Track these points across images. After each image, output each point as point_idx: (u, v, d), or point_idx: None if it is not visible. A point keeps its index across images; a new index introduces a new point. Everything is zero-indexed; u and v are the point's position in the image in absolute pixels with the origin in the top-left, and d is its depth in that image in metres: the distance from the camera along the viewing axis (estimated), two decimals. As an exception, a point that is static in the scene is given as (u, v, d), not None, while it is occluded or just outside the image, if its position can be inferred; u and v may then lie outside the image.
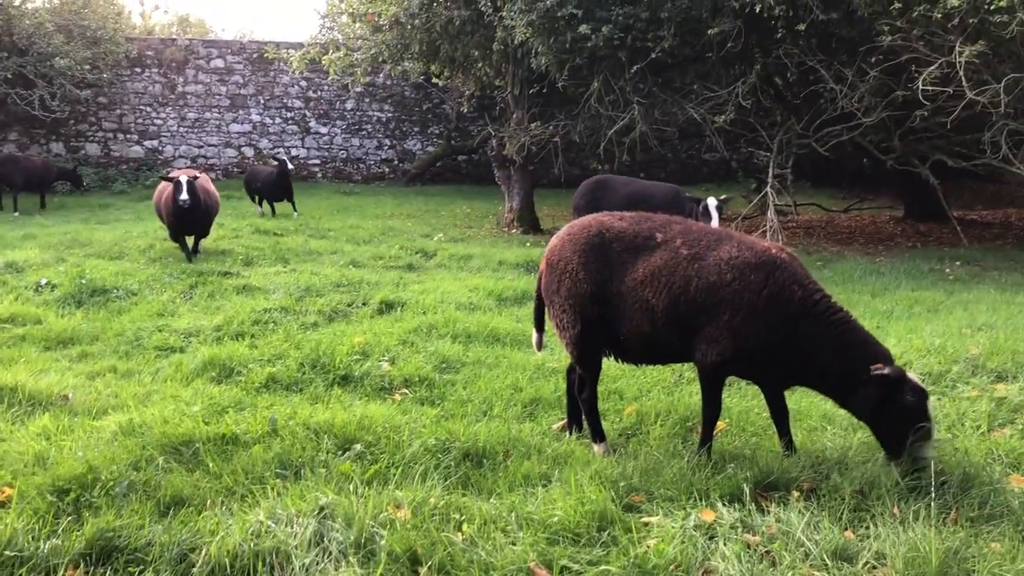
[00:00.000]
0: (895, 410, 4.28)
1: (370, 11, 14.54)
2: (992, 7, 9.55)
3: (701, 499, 4.14)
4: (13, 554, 3.51)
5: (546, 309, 5.14)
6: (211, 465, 4.45)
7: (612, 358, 5.07)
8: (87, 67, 21.08)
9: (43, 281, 9.69)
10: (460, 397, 5.91)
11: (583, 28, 11.52)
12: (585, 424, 5.14)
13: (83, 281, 9.52)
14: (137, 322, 8.18)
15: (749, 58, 12.51)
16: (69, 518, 3.88)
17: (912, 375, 4.38)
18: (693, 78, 13.47)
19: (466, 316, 8.20)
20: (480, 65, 15.74)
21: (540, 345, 5.46)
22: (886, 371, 4.22)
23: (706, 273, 4.50)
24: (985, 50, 10.01)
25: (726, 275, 4.47)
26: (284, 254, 11.88)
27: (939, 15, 9.96)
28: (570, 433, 5.27)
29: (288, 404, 5.60)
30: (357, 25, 15.33)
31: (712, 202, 10.48)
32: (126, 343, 7.51)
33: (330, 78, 17.20)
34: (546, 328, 5.36)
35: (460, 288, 9.55)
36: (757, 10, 10.79)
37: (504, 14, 12.40)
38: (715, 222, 9.88)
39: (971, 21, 9.96)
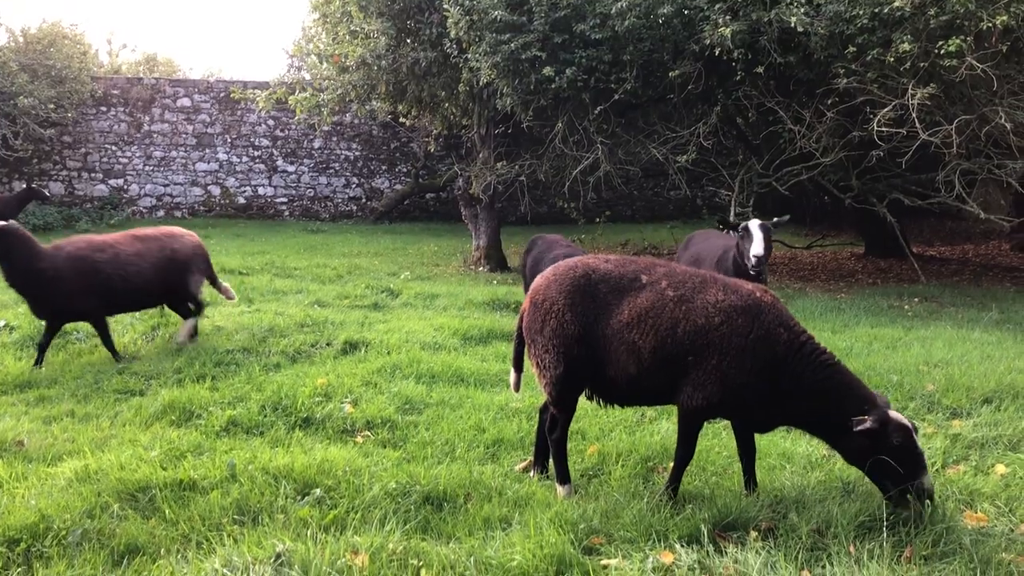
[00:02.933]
0: (886, 455, 4.28)
1: (336, 52, 14.66)
2: (942, 52, 9.86)
3: (660, 540, 4.16)
4: (-41, 608, 3.44)
5: (526, 348, 5.14)
6: (167, 512, 4.40)
7: (595, 400, 5.06)
8: (51, 106, 20.97)
9: (1, 323, 9.54)
10: (422, 439, 5.89)
11: (547, 70, 11.69)
12: (550, 465, 5.14)
13: (42, 323, 9.37)
14: (97, 365, 8.08)
15: (710, 99, 12.76)
16: (19, 569, 3.81)
17: (895, 413, 4.38)
18: (656, 119, 13.69)
19: (431, 356, 8.19)
20: (446, 105, 15.87)
21: (518, 385, 5.43)
22: (867, 424, 4.24)
23: (694, 316, 4.54)
24: (937, 93, 10.30)
25: (714, 318, 4.51)
26: (249, 294, 11.79)
27: (892, 59, 10.24)
28: (534, 474, 5.27)
29: (248, 448, 5.54)
30: (324, 66, 15.45)
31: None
32: (85, 386, 7.39)
33: (297, 118, 17.23)
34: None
35: (425, 327, 9.54)
36: (717, 53, 11.04)
37: (469, 56, 12.56)
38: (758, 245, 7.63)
39: (922, 65, 10.26)
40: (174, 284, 8.80)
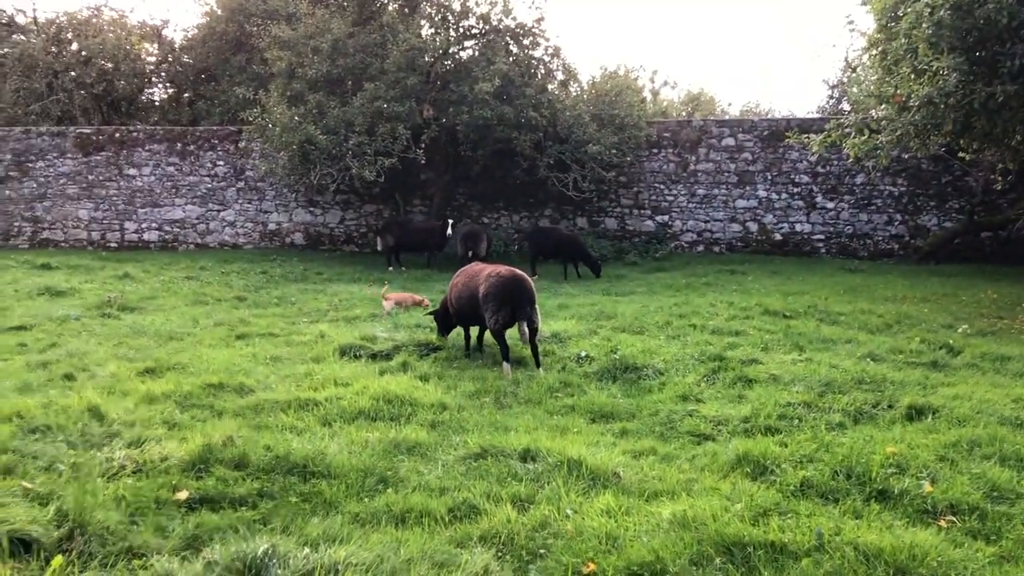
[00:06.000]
0: None
1: (899, 92, 14.05)
2: None
3: None
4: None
5: None
6: (765, 574, 4.65)
7: None
8: (613, 151, 23.48)
9: (582, 354, 10.83)
10: (1021, 536, 5.37)
11: None
12: None
13: (615, 356, 10.49)
14: (666, 403, 8.77)
15: None
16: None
17: None
18: None
19: (1013, 435, 7.40)
20: (1020, 139, 14.23)
21: None
22: None
23: None
24: None
25: None
26: (797, 340, 11.86)
27: None
28: None
29: (826, 515, 5.60)
30: (882, 106, 14.91)
31: None
32: (660, 424, 8.10)
33: (851, 160, 16.87)
34: None
35: (1001, 397, 8.64)
36: None
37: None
38: None
39: None
40: (475, 312, 10.58)
